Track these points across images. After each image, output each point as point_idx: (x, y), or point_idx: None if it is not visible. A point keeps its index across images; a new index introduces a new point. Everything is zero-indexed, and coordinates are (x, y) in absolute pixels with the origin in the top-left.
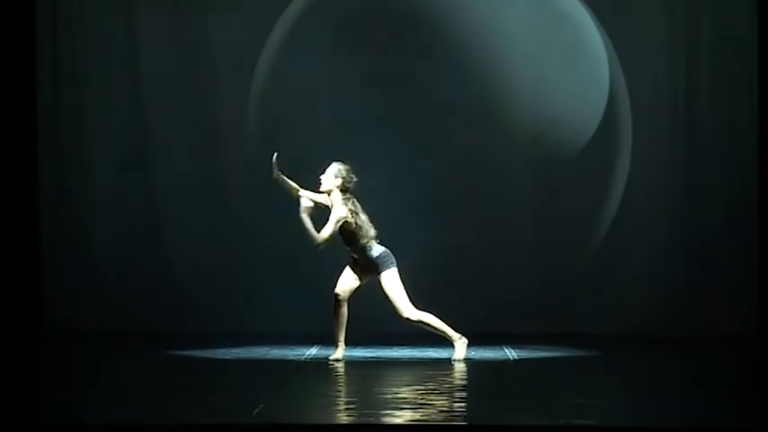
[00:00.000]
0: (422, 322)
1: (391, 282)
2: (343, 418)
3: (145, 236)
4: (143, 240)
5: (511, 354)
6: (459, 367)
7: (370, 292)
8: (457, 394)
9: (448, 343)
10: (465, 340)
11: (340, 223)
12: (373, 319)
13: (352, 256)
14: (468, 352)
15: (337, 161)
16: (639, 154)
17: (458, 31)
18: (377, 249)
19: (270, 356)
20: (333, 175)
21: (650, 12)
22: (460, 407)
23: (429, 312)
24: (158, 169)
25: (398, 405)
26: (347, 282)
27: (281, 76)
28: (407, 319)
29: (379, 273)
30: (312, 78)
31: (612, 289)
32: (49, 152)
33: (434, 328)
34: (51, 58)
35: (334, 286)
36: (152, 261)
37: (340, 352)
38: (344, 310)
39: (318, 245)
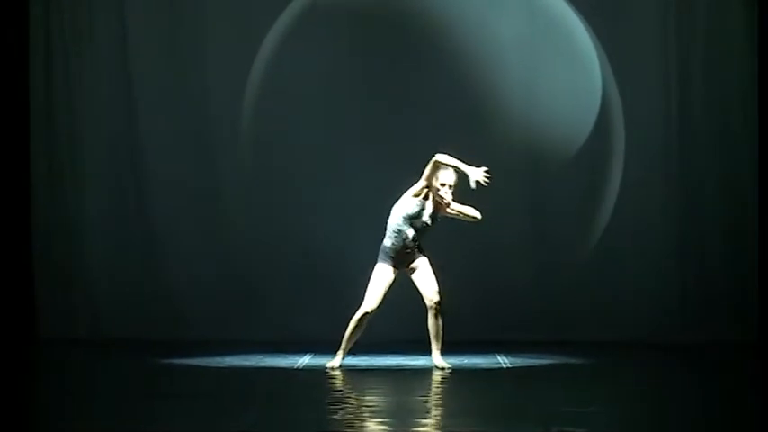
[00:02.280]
0: (438, 312)
1: (428, 264)
2: (337, 426)
3: (138, 242)
4: (136, 247)
5: (503, 361)
6: (452, 375)
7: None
8: (450, 402)
9: (441, 352)
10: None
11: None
12: (371, 324)
13: (406, 248)
14: (459, 359)
15: (447, 169)
16: (633, 158)
17: (453, 36)
18: None
19: (263, 364)
20: (455, 184)
21: (642, 16)
22: (453, 415)
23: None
24: (152, 174)
25: (391, 413)
26: (380, 296)
27: (275, 78)
28: (437, 303)
29: (415, 258)
30: (307, 81)
31: (607, 296)
32: (41, 158)
33: (437, 327)
34: (44, 62)
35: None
36: (145, 269)
37: (338, 360)
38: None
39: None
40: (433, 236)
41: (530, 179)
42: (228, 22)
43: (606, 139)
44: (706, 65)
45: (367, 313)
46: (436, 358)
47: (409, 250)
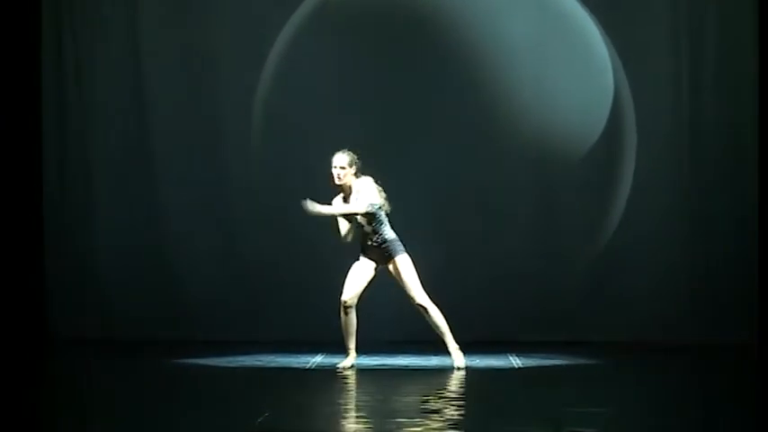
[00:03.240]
0: (427, 312)
1: (405, 266)
2: (348, 426)
3: (150, 242)
4: (148, 247)
5: (515, 362)
6: (464, 375)
7: (377, 298)
8: (461, 403)
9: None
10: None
11: (374, 209)
12: (376, 325)
13: (367, 242)
14: (471, 359)
15: (340, 151)
16: (643, 157)
17: (464, 35)
18: (391, 232)
19: (275, 364)
20: (348, 165)
21: (654, 17)
22: (465, 415)
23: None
24: (164, 175)
25: (403, 414)
26: (354, 286)
27: (286, 77)
28: (419, 305)
29: (391, 258)
30: (317, 82)
31: (615, 296)
32: (53, 157)
33: (437, 324)
34: (56, 60)
35: (340, 293)
36: (156, 269)
37: (350, 360)
38: (353, 316)
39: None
40: (443, 234)
41: (540, 177)
42: (241, 21)
43: (618, 137)
44: (717, 64)
45: (345, 302)
46: (455, 358)
47: (371, 242)
